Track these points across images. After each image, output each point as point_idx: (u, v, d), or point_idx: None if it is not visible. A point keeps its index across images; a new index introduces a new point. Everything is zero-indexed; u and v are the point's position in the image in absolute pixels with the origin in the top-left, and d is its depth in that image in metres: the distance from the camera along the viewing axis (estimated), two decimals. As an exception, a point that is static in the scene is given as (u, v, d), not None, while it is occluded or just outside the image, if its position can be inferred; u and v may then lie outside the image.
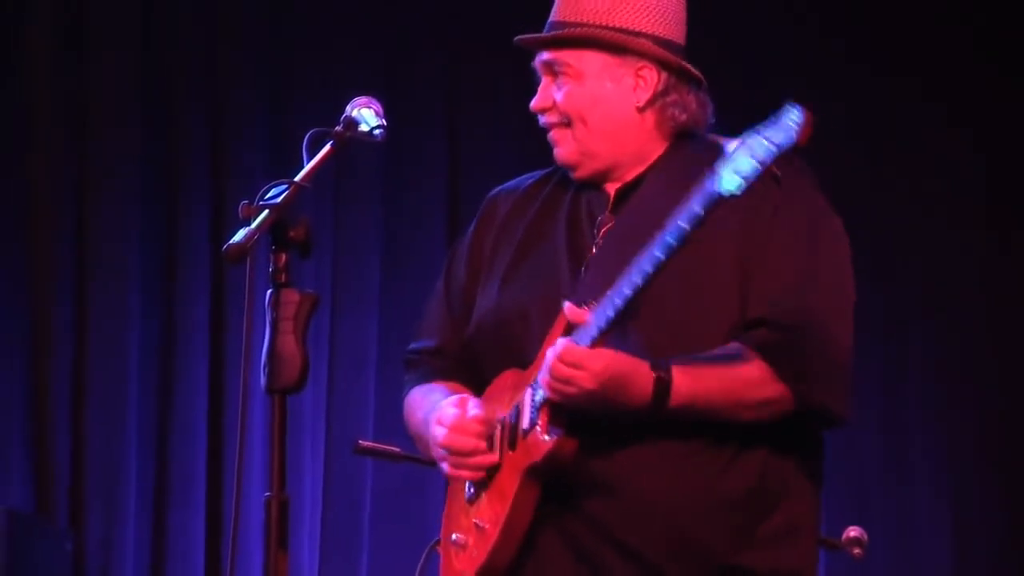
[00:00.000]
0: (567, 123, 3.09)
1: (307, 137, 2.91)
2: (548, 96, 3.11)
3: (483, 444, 3.00)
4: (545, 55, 3.11)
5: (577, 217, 3.11)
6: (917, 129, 6.32)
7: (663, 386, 2.86)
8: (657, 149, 3.10)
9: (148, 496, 5.92)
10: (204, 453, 5.94)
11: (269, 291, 2.78)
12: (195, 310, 6.00)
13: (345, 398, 6.09)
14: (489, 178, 3.39)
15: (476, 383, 3.15)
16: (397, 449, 3.92)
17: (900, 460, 6.24)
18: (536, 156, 3.27)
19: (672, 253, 2.75)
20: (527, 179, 3.26)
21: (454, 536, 3.08)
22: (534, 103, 3.13)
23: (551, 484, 2.93)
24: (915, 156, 6.32)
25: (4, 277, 5.95)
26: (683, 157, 3.06)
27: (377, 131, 2.95)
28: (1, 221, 5.96)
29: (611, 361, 2.85)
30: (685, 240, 2.74)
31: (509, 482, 2.95)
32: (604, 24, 3.06)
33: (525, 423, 2.94)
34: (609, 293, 2.83)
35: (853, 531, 4.35)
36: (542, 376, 2.88)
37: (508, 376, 3.06)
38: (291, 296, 2.76)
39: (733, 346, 2.93)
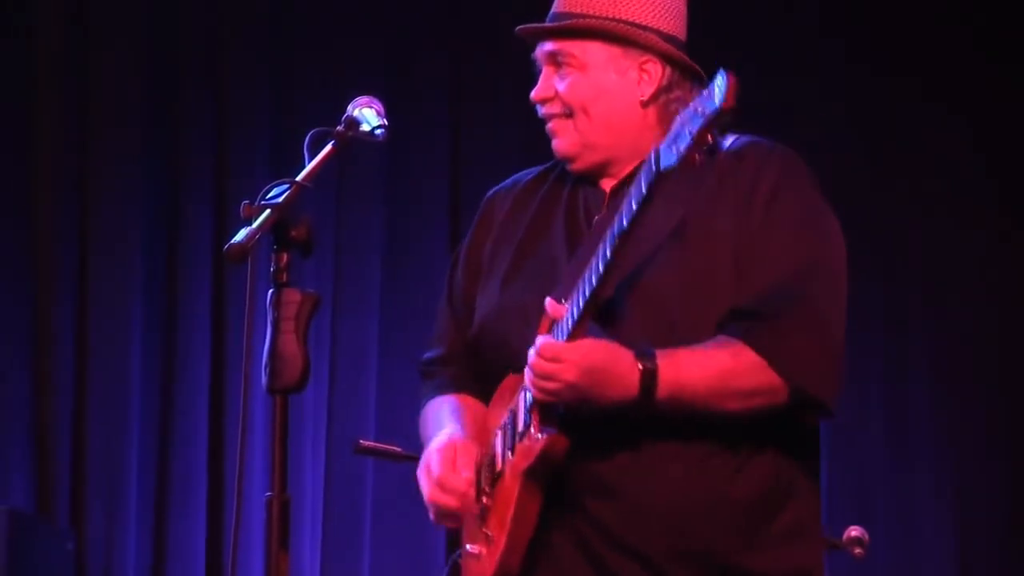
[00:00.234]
0: (568, 114, 3.07)
1: (308, 137, 2.91)
2: (550, 86, 3.09)
3: (465, 501, 3.02)
4: (548, 45, 3.10)
5: (575, 216, 3.11)
6: (917, 129, 6.32)
7: (650, 376, 2.83)
8: (653, 144, 3.10)
9: (149, 496, 5.92)
10: (205, 453, 5.94)
11: (270, 291, 2.77)
12: (196, 310, 6.00)
13: (346, 398, 6.09)
14: (490, 178, 3.39)
15: (485, 387, 3.15)
16: (398, 449, 3.93)
17: (901, 460, 6.23)
18: (537, 155, 3.27)
19: (626, 235, 2.75)
20: (525, 175, 3.25)
21: (469, 547, 3.08)
22: (535, 93, 3.11)
23: (559, 487, 2.92)
24: (915, 156, 6.32)
25: (5, 276, 5.95)
26: None
27: (378, 131, 2.95)
28: (2, 220, 5.97)
29: (589, 350, 2.83)
30: (637, 220, 2.74)
31: (511, 487, 2.95)
32: (611, 16, 3.05)
33: (520, 426, 2.94)
34: (579, 284, 2.83)
35: (854, 531, 4.36)
36: (526, 376, 2.88)
37: (509, 380, 3.06)
38: (292, 296, 2.76)
39: (720, 337, 2.91)
